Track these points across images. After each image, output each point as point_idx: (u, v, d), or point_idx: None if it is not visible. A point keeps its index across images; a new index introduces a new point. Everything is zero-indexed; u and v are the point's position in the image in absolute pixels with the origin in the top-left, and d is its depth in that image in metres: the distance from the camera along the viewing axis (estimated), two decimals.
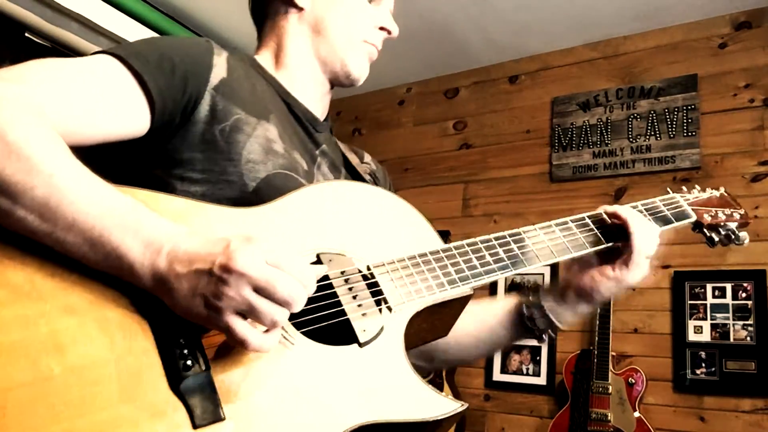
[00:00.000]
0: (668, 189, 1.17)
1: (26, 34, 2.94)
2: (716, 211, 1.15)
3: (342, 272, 0.82)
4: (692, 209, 1.12)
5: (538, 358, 3.17)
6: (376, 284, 0.84)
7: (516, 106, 3.64)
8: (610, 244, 1.04)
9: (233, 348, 0.70)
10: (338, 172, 1.10)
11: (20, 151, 0.63)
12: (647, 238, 1.02)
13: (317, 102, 1.08)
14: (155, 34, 3.35)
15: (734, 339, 2.69)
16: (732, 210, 1.17)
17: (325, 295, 0.79)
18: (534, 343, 3.17)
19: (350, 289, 0.82)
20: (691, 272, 2.82)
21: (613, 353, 2.81)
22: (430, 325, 0.91)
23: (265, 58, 1.07)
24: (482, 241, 0.95)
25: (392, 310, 0.82)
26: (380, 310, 0.82)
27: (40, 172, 0.63)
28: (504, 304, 1.11)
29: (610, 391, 2.70)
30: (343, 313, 0.79)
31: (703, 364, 2.72)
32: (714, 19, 3.12)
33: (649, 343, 2.88)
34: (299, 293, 0.65)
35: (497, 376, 3.27)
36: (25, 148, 0.63)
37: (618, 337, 2.89)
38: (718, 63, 3.07)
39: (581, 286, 1.04)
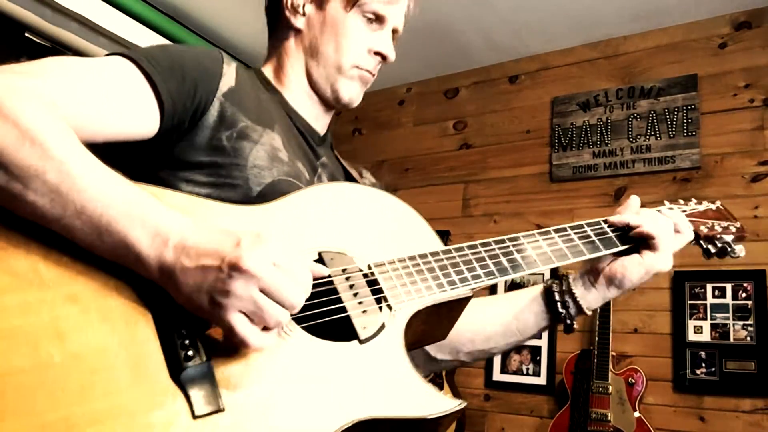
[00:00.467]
0: (665, 201, 1.17)
1: (26, 34, 2.95)
2: (713, 223, 1.15)
3: (343, 270, 0.83)
4: (690, 220, 1.12)
5: (538, 358, 3.17)
6: (376, 283, 0.84)
7: (516, 106, 3.64)
8: (625, 247, 1.04)
9: None
10: None
11: (34, 138, 0.64)
12: (666, 233, 1.03)
13: (317, 119, 1.10)
14: (155, 35, 3.35)
15: (734, 339, 2.69)
16: (729, 223, 1.17)
17: (326, 291, 0.80)
18: (535, 342, 3.17)
19: (351, 286, 0.82)
20: (691, 272, 2.82)
21: (613, 353, 2.81)
22: (428, 327, 0.91)
23: (268, 72, 1.10)
24: (482, 244, 0.96)
25: (392, 308, 0.83)
26: (380, 308, 0.82)
27: (52, 158, 0.64)
28: (530, 291, 1.10)
29: (610, 391, 2.70)
30: (343, 309, 0.80)
31: (703, 364, 2.72)
32: (714, 19, 3.13)
33: (649, 343, 2.88)
34: (302, 296, 0.67)
35: (497, 376, 3.27)
36: (39, 135, 0.64)
37: (618, 337, 2.89)
38: (718, 63, 3.07)
39: (612, 272, 1.04)
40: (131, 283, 0.68)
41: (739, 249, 1.16)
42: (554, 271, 3.14)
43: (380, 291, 0.83)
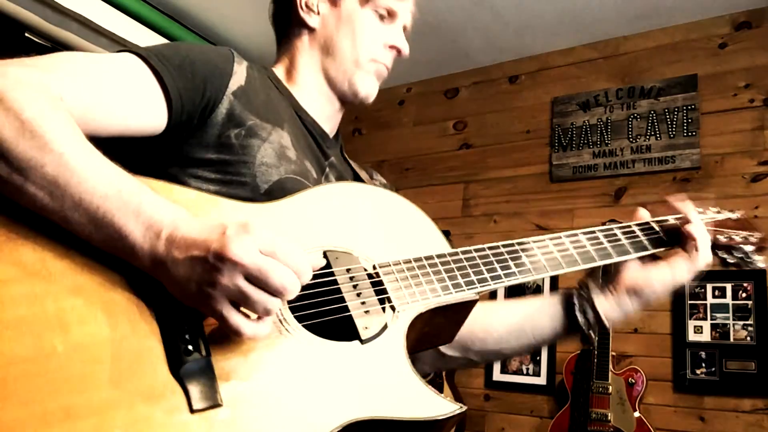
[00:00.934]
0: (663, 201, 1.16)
1: (26, 34, 2.94)
2: (731, 232, 1.13)
3: (347, 269, 0.83)
4: (708, 229, 1.10)
5: (538, 358, 3.17)
6: (380, 284, 0.84)
7: (516, 106, 3.64)
8: (655, 250, 1.04)
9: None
10: None
11: (34, 130, 0.65)
12: (704, 238, 1.04)
13: (327, 119, 1.11)
14: (155, 35, 3.35)
15: (734, 339, 2.69)
16: (748, 233, 1.14)
17: (329, 290, 0.80)
18: None
19: (355, 286, 0.82)
20: None
21: (613, 353, 2.81)
22: (432, 329, 0.91)
23: (280, 72, 1.10)
24: (490, 248, 0.95)
25: (396, 310, 0.82)
26: (383, 309, 0.82)
27: (51, 150, 0.65)
28: (548, 297, 1.10)
29: (610, 391, 2.70)
30: (346, 309, 0.80)
31: (703, 364, 2.72)
32: (714, 19, 3.13)
33: (649, 343, 2.89)
34: (292, 282, 0.66)
35: (497, 376, 3.27)
36: (40, 127, 0.65)
37: (618, 337, 2.89)
38: (718, 63, 3.07)
39: (634, 282, 1.04)
40: (136, 276, 0.69)
41: (758, 259, 1.13)
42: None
43: (384, 292, 0.83)
